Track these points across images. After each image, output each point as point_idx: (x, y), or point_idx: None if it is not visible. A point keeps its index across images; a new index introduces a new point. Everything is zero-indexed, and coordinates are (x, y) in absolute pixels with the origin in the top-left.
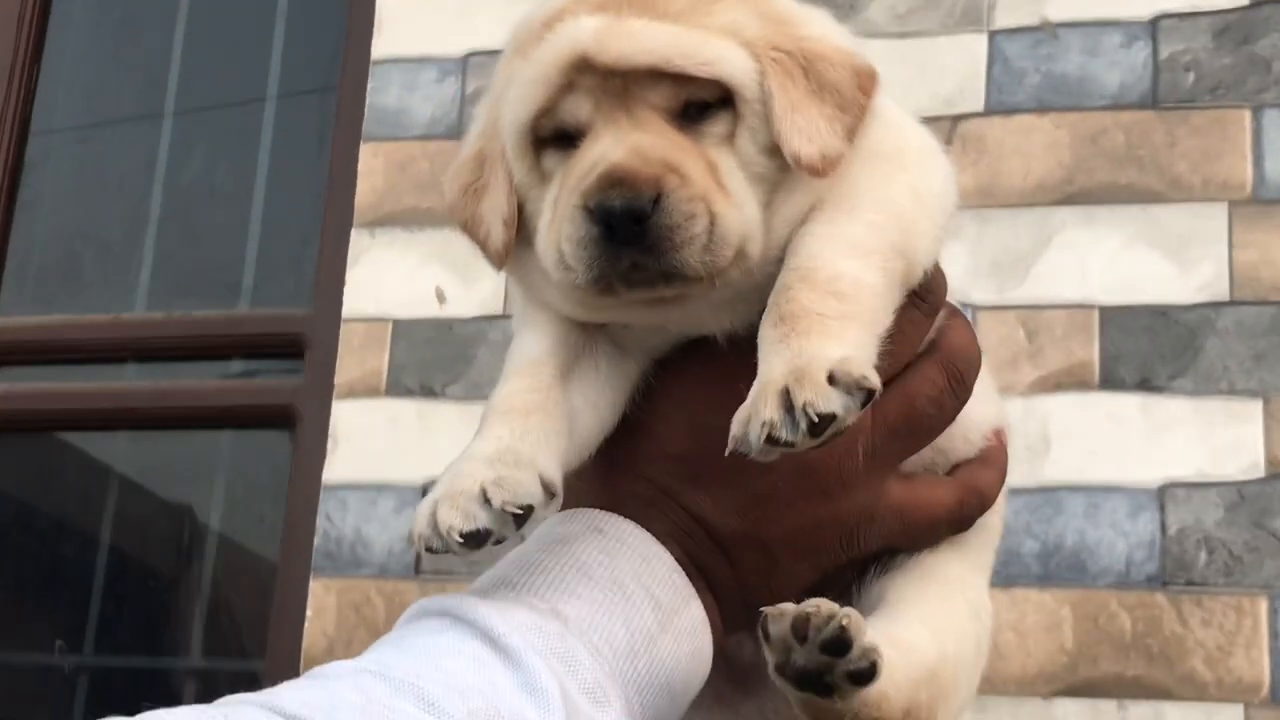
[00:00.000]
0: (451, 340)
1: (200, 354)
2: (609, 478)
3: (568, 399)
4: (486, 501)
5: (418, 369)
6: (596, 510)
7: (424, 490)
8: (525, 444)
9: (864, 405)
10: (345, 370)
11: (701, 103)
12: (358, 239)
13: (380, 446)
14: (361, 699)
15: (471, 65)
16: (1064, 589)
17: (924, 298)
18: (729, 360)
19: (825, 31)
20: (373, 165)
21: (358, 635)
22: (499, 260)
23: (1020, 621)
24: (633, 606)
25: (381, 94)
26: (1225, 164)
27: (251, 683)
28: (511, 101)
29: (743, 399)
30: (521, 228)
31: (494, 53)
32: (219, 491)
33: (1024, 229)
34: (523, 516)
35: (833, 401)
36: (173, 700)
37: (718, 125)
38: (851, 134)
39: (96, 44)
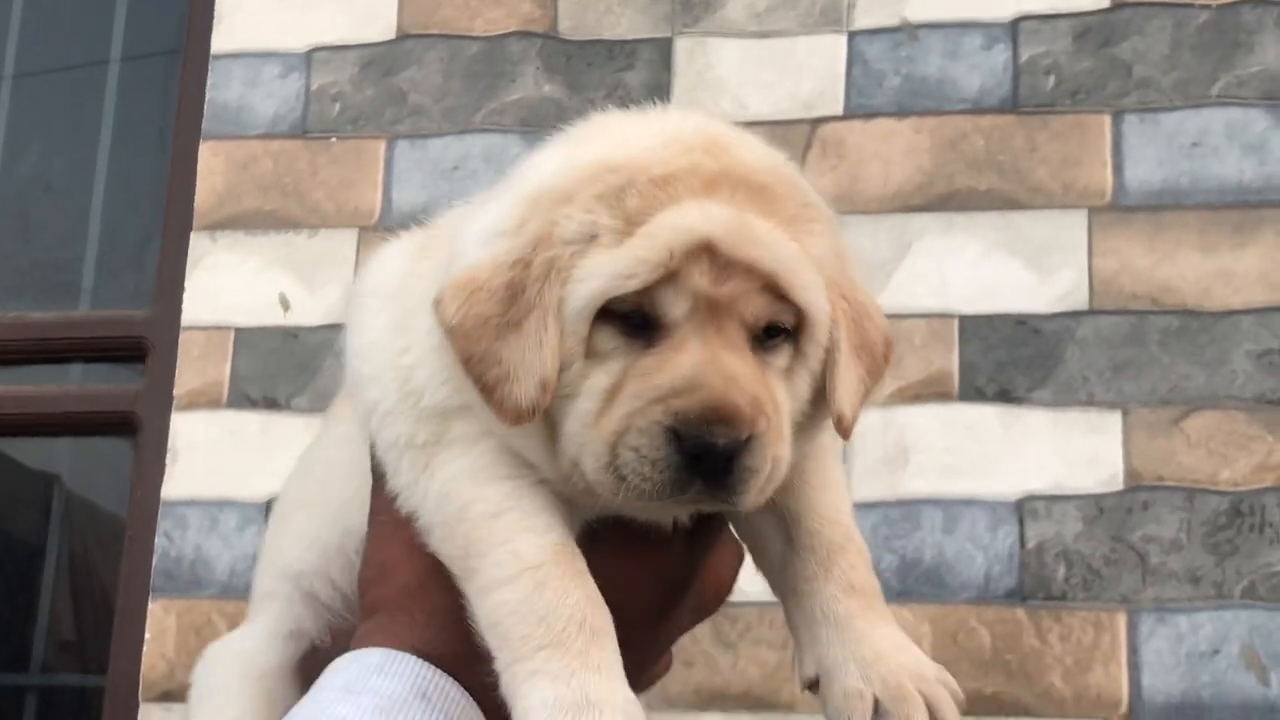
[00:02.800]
0: (296, 350)
1: (38, 358)
2: None
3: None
4: None
5: (260, 380)
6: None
7: (267, 506)
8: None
9: None
10: (185, 381)
11: (777, 328)
12: (197, 242)
13: (221, 461)
14: None
15: (315, 60)
16: (923, 604)
17: None
18: (648, 539)
19: (860, 280)
20: (213, 165)
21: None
22: (514, 420)
23: None
24: None
25: (222, 90)
26: (1085, 170)
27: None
28: (602, 267)
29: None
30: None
31: (339, 48)
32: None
33: (884, 236)
34: None
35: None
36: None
37: (780, 357)
38: (867, 399)
39: None
